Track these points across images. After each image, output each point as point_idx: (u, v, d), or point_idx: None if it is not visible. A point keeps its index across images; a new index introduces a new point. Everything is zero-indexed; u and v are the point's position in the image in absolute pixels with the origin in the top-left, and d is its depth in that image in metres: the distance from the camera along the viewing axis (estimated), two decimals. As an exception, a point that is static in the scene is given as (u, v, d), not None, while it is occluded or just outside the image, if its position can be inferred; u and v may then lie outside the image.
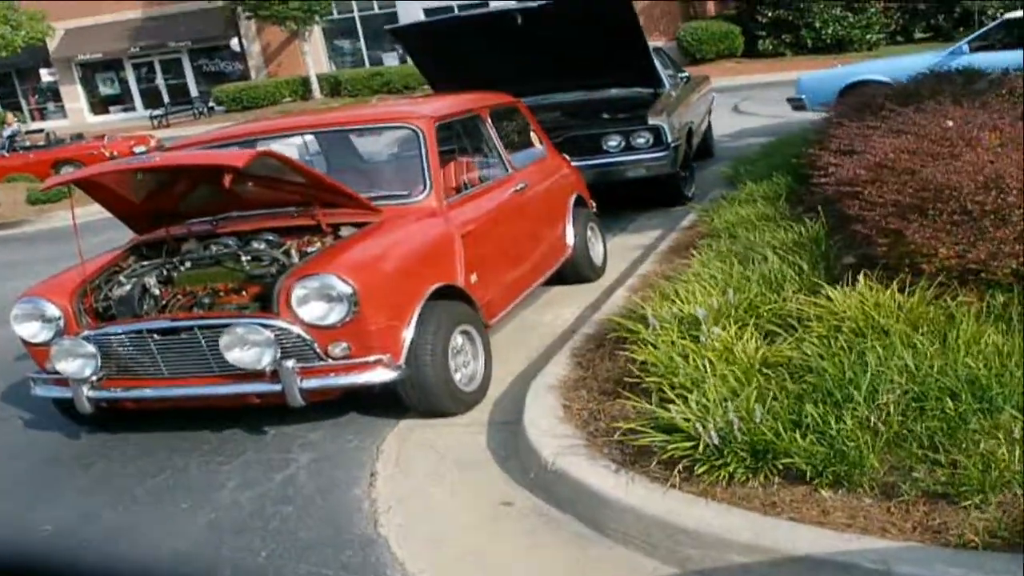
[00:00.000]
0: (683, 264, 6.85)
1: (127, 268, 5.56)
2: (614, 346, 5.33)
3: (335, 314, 4.69)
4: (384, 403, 5.29)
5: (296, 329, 4.72)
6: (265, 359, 4.70)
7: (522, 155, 7.20)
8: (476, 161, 6.38)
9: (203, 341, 4.83)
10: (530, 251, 6.70)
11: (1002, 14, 34.53)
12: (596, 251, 7.98)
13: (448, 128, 6.16)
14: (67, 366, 5.02)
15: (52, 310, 5.14)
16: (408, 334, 4.90)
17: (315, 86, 34.43)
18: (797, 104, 16.03)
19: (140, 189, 5.52)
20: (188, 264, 5.34)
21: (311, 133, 6.42)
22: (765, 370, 4.28)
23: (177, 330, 4.88)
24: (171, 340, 4.91)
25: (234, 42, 37.63)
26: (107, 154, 21.81)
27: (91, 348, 4.96)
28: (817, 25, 33.85)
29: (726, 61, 30.62)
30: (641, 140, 10.21)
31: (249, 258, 5.23)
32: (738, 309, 4.96)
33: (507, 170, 6.76)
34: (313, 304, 4.71)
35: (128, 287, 5.28)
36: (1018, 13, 15.57)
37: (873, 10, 34.52)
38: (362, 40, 39.30)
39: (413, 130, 5.88)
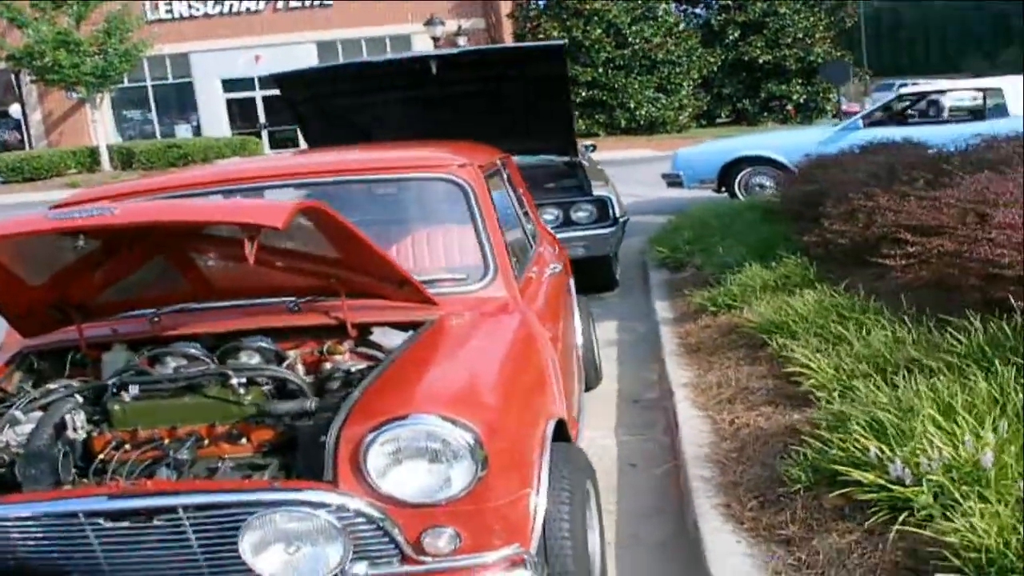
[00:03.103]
0: (769, 370, 5.20)
1: (19, 395, 3.36)
2: (811, 504, 3.53)
3: (454, 483, 2.71)
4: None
5: (367, 509, 2.69)
6: (330, 565, 2.63)
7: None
8: (508, 232, 4.47)
9: (192, 533, 2.71)
10: (571, 354, 4.85)
11: (803, 100, 35.83)
12: (596, 349, 6.24)
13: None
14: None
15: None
16: (539, 504, 2.94)
17: (104, 157, 31.20)
18: (673, 180, 15.02)
19: (46, 264, 3.36)
20: (134, 390, 3.18)
21: (296, 184, 4.24)
22: None
23: (145, 512, 2.73)
24: (129, 530, 2.75)
25: (14, 108, 33.89)
26: None
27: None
28: (631, 106, 33.84)
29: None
30: (583, 214, 8.74)
31: (242, 381, 3.14)
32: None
33: (530, 246, 4.92)
34: (410, 467, 2.72)
35: (34, 429, 3.10)
36: (912, 87, 15.08)
37: (684, 92, 34.84)
38: (154, 111, 36.54)
39: (458, 184, 3.98)
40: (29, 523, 2.79)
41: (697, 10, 39.01)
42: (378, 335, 3.48)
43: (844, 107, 30.47)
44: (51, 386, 3.36)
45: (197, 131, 35.88)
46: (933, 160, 7.56)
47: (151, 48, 31.31)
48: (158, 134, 36.00)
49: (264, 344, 3.38)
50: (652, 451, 5.01)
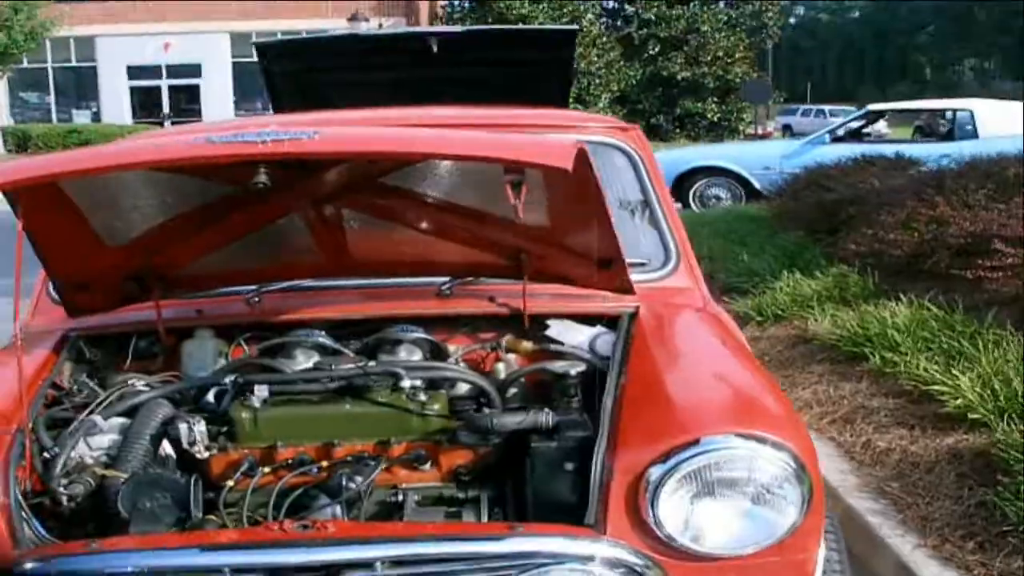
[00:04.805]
0: (878, 388, 4.66)
1: (80, 392, 2.55)
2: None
3: (772, 527, 2.02)
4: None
5: (645, 563, 1.96)
6: None
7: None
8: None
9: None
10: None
11: (717, 118, 35.93)
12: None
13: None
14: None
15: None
16: (820, 552, 2.23)
17: (-1, 139, 29.33)
18: (624, 189, 14.37)
19: (147, 215, 2.54)
20: (262, 391, 2.37)
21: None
22: None
23: (328, 568, 1.93)
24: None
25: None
26: None
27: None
28: (548, 116, 33.34)
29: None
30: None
31: (416, 383, 2.36)
32: None
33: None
34: (711, 509, 2.01)
35: (124, 443, 2.30)
36: (880, 105, 14.85)
37: (602, 104, 34.52)
38: (52, 94, 34.58)
39: (625, 152, 3.27)
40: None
41: (619, 23, 38.73)
42: (555, 330, 2.74)
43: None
44: (137, 384, 2.53)
45: (96, 118, 34.08)
46: (981, 172, 7.05)
47: (58, 28, 29.51)
48: (55, 119, 34.09)
49: (422, 336, 2.62)
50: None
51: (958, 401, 4.04)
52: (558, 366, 2.48)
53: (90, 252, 2.57)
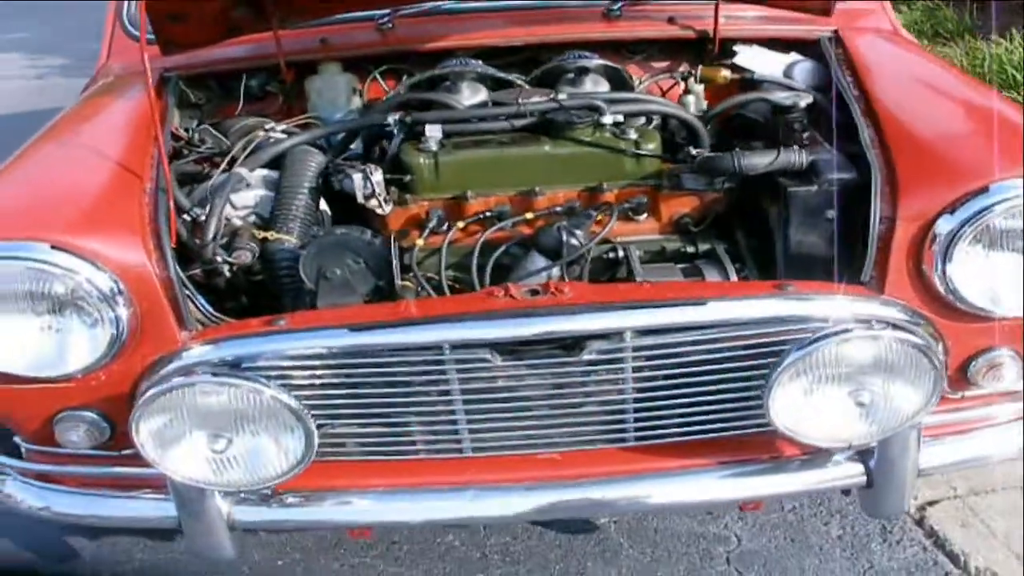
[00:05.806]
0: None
1: (201, 140, 2.20)
2: None
3: None
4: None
5: (918, 323, 1.70)
6: (907, 412, 1.67)
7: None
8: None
9: (631, 371, 1.67)
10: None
11: None
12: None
13: None
14: (192, 460, 1.66)
15: (100, 280, 1.64)
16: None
17: None
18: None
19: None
20: (434, 131, 2.00)
21: None
22: None
23: (568, 339, 1.63)
24: (518, 366, 1.65)
25: None
26: None
27: (272, 393, 1.60)
28: None
29: None
30: None
31: (619, 119, 2.03)
32: None
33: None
34: (1002, 263, 1.71)
35: (282, 200, 1.97)
36: None
37: None
38: None
39: None
40: (334, 360, 1.65)
41: None
42: (744, 57, 2.36)
43: None
44: (276, 131, 2.17)
45: None
46: None
47: None
48: None
49: (606, 63, 2.25)
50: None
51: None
52: (782, 96, 2.11)
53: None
